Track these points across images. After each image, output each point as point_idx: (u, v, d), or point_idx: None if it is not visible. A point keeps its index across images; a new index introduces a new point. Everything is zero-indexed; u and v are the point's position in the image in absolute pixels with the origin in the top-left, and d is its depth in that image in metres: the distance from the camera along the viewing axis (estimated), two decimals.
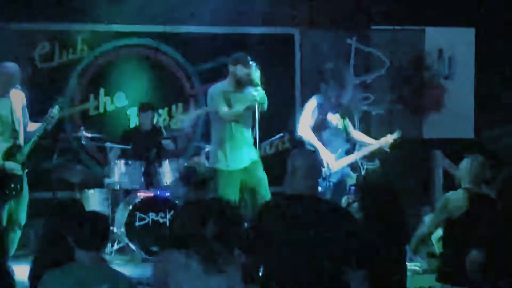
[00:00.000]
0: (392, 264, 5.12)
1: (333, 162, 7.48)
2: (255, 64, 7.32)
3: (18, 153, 7.28)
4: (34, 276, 4.63)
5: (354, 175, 7.87)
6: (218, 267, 4.32)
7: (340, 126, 7.73)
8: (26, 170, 7.37)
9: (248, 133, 7.34)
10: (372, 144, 7.93)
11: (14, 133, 7.33)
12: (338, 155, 7.55)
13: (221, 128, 7.37)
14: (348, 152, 7.73)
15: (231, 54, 7.59)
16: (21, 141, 7.36)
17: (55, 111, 7.37)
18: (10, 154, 7.25)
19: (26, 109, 7.57)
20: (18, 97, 7.48)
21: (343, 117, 7.76)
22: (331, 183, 7.54)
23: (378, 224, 5.12)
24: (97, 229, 4.20)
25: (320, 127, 7.57)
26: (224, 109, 7.28)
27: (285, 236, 4.36)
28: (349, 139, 7.89)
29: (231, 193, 7.17)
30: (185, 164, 8.29)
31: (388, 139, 7.86)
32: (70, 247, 4.26)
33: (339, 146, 7.62)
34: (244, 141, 7.24)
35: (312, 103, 7.60)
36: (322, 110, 7.56)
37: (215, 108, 7.37)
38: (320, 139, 7.52)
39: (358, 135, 8.13)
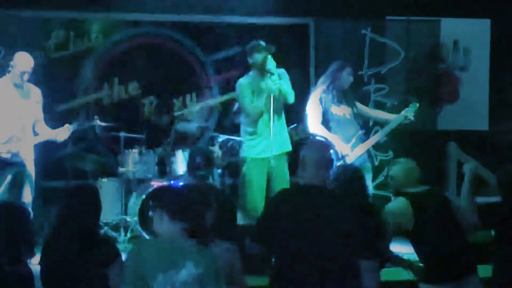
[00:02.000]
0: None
1: (350, 152, 7.45)
2: (270, 55, 7.35)
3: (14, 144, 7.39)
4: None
5: (369, 165, 7.82)
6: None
7: (349, 115, 7.67)
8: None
9: (276, 123, 7.35)
10: (391, 120, 7.85)
11: (20, 125, 7.43)
12: (353, 144, 7.51)
13: (250, 119, 7.46)
14: (363, 139, 7.68)
15: (245, 43, 7.63)
16: (26, 133, 7.45)
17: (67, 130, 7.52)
18: (8, 142, 7.36)
19: (39, 106, 7.63)
20: (34, 92, 7.56)
21: (350, 105, 7.71)
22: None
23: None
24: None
25: (327, 120, 7.55)
26: (246, 102, 7.38)
27: (296, 226, 4.37)
28: (366, 123, 7.85)
29: (256, 181, 7.26)
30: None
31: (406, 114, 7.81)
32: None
33: (352, 135, 7.57)
34: (271, 131, 7.25)
35: (313, 100, 7.56)
36: (324, 104, 7.53)
37: (242, 101, 7.48)
38: (331, 131, 7.49)
39: (375, 113, 8.09)
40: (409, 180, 5.64)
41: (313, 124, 7.46)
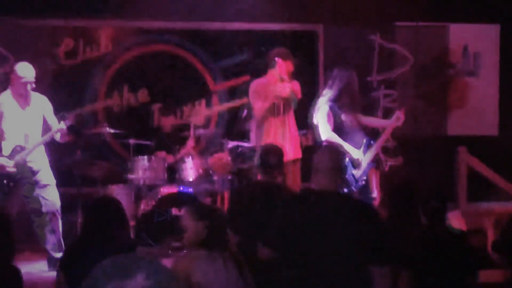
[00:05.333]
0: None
1: (362, 158, 7.45)
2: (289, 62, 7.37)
3: (18, 154, 7.41)
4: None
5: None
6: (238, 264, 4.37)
7: (356, 122, 7.65)
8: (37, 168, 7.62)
9: (287, 129, 7.34)
10: (385, 125, 7.85)
11: (22, 135, 7.49)
12: (363, 150, 7.51)
13: (259, 124, 7.45)
14: (369, 146, 7.65)
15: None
16: (31, 144, 7.51)
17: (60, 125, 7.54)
18: (13, 152, 7.39)
19: (48, 115, 7.68)
20: (39, 102, 7.61)
21: (356, 112, 7.69)
22: (363, 183, 7.50)
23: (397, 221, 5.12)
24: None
25: (337, 128, 7.53)
26: (256, 106, 7.39)
27: (308, 231, 4.36)
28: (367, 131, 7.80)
29: None
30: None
31: (398, 116, 7.76)
32: None
33: (360, 142, 7.56)
34: (281, 137, 7.24)
35: (323, 109, 7.55)
36: (334, 112, 7.51)
37: (252, 105, 7.51)
38: (342, 138, 7.48)
39: (369, 120, 8.01)
40: None
41: (325, 131, 7.44)
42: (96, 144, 9.28)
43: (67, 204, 8.16)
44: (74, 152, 8.23)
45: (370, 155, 7.53)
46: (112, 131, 8.59)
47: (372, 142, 7.64)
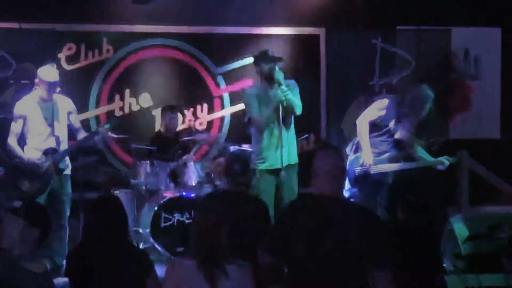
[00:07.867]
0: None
1: (371, 163, 7.41)
2: (278, 66, 7.32)
3: (52, 156, 7.41)
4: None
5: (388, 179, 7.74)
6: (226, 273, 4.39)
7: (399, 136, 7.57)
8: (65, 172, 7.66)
9: (285, 134, 7.32)
10: (429, 160, 7.76)
11: (52, 136, 7.47)
12: (382, 160, 7.45)
13: (258, 129, 7.43)
14: (392, 160, 7.56)
15: (257, 54, 7.61)
16: (61, 145, 7.51)
17: (103, 129, 7.55)
18: (45, 155, 7.40)
19: (73, 115, 7.73)
20: (63, 103, 7.62)
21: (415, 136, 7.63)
22: (366, 184, 7.47)
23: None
24: None
25: (377, 127, 7.50)
26: (254, 112, 7.36)
27: (308, 236, 4.36)
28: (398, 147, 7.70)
29: (266, 193, 7.23)
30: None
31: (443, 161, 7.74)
32: None
33: (385, 151, 7.51)
34: (280, 142, 7.22)
35: (383, 102, 7.51)
36: (389, 113, 7.47)
37: (249, 111, 7.48)
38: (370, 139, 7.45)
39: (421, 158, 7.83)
40: None
41: (364, 118, 7.43)
42: (98, 148, 9.30)
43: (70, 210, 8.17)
44: (76, 157, 8.23)
45: (388, 167, 7.49)
46: (114, 136, 8.59)
47: (396, 155, 7.57)
